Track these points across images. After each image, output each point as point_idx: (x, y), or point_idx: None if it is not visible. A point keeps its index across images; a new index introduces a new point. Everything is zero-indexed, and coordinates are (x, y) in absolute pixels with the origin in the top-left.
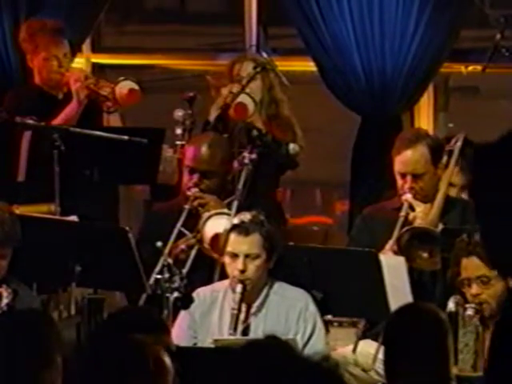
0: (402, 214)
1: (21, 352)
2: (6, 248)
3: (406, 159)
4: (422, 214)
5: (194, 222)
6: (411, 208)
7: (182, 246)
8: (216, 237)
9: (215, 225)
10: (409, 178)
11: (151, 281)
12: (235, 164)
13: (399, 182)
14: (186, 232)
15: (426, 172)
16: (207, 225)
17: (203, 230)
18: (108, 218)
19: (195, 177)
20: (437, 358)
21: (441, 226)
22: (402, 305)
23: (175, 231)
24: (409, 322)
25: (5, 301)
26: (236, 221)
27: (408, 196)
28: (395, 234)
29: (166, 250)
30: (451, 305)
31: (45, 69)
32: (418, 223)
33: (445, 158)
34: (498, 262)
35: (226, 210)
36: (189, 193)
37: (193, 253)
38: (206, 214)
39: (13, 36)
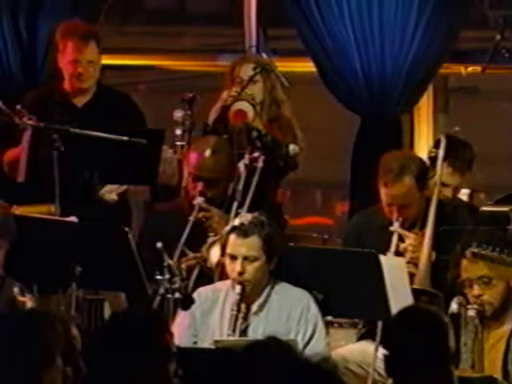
0: (393, 249)
1: (19, 352)
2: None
3: (394, 194)
4: (412, 247)
5: (196, 231)
6: (400, 239)
7: (183, 266)
8: (220, 263)
9: (219, 252)
10: (395, 208)
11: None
12: (240, 167)
13: (386, 208)
14: (188, 251)
15: (413, 201)
16: (212, 251)
17: (208, 256)
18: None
19: (200, 185)
20: (438, 361)
21: (434, 256)
22: (403, 307)
23: (179, 247)
24: (409, 325)
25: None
26: (236, 222)
27: (396, 226)
28: None
29: (172, 262)
30: (454, 306)
31: (67, 73)
32: (409, 256)
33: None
34: None
35: None
36: (194, 202)
37: (194, 274)
38: (210, 240)
39: (13, 36)
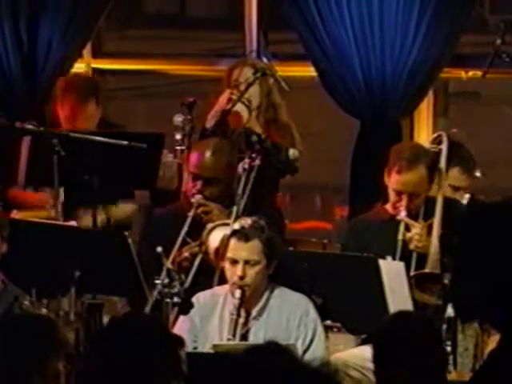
0: (400, 237)
1: (19, 356)
2: None
3: (407, 181)
4: (418, 236)
5: (196, 228)
6: (406, 228)
7: (186, 254)
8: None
9: (219, 237)
10: (405, 197)
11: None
12: (239, 169)
13: (393, 198)
14: (190, 240)
15: (423, 191)
16: (211, 236)
17: (207, 242)
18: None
19: (199, 183)
20: (430, 367)
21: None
22: (392, 313)
23: (179, 239)
24: (399, 331)
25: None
26: (236, 226)
27: (403, 215)
28: (397, 258)
29: (170, 258)
30: (450, 310)
31: (65, 126)
32: (414, 245)
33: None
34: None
35: (229, 221)
36: (192, 200)
37: (196, 261)
38: (210, 225)
39: (13, 39)
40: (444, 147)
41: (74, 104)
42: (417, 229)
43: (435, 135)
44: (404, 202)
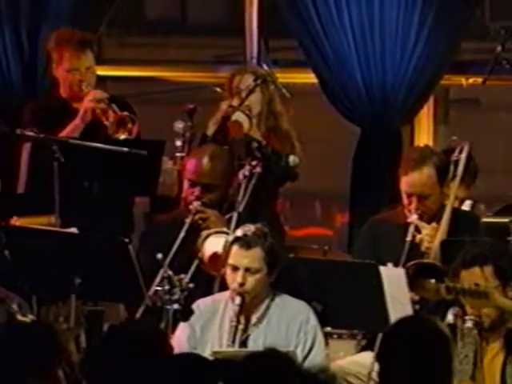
0: (409, 238)
1: (6, 363)
2: None
3: (413, 181)
4: (429, 237)
5: (194, 235)
6: (417, 230)
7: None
8: (214, 255)
9: (214, 244)
10: (415, 199)
11: (151, 292)
12: (240, 176)
13: (405, 200)
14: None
15: (432, 193)
16: (206, 243)
17: (202, 249)
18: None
19: (197, 190)
20: (438, 374)
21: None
22: (402, 317)
23: (175, 245)
24: (409, 336)
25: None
26: (239, 233)
27: (414, 217)
28: (402, 258)
29: (167, 262)
30: (450, 317)
31: (66, 81)
32: (424, 246)
33: (451, 169)
34: None
35: (225, 229)
36: (190, 206)
37: (193, 267)
38: (205, 233)
39: (14, 47)
40: (463, 156)
41: (73, 55)
42: (427, 230)
43: (459, 146)
44: (414, 205)
